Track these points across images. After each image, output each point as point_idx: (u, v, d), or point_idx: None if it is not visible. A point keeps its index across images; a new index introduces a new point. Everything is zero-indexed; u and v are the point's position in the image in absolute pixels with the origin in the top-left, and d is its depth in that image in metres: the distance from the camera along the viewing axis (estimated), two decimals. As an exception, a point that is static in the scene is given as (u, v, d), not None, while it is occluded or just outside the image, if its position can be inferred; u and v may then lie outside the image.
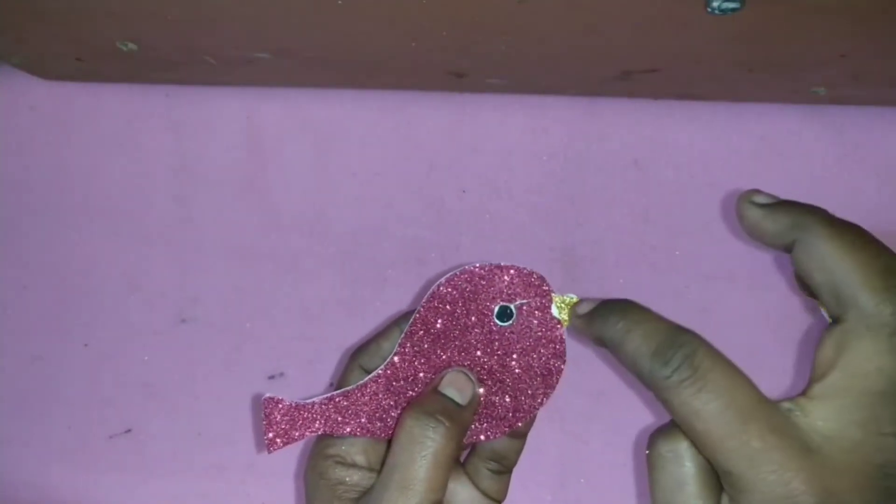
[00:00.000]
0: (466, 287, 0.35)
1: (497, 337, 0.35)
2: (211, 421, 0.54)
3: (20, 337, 0.55)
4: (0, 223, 0.56)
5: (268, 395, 0.36)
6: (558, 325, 0.35)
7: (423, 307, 0.36)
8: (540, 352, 0.35)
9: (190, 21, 0.44)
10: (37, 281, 0.55)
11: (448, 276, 0.36)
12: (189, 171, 0.56)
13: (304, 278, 0.54)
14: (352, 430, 0.36)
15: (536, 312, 0.35)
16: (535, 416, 0.36)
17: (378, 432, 0.36)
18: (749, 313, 0.52)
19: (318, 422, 0.36)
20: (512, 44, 0.44)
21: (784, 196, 0.31)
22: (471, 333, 0.35)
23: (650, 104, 0.54)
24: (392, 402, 0.36)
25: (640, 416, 0.52)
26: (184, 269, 0.55)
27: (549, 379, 0.35)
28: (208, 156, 0.56)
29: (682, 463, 0.28)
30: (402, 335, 0.36)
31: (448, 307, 0.36)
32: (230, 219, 0.55)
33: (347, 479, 0.35)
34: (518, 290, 0.35)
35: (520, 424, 0.36)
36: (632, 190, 0.54)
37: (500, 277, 0.35)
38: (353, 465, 0.36)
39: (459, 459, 0.39)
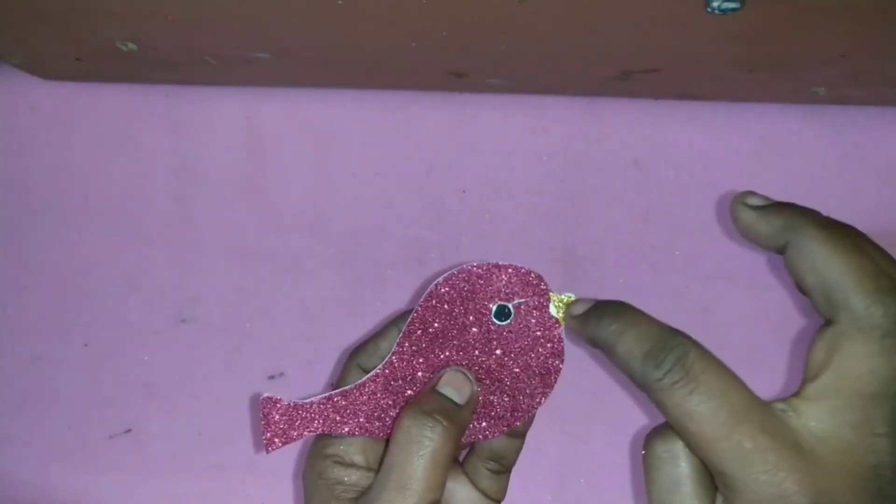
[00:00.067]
0: (464, 286, 0.35)
1: (495, 336, 0.35)
2: (211, 421, 0.54)
3: (20, 337, 0.55)
4: (0, 223, 0.56)
5: (266, 394, 0.36)
6: (556, 325, 0.35)
7: (420, 306, 0.36)
8: (538, 351, 0.35)
9: (190, 21, 0.44)
10: (37, 281, 0.55)
11: (446, 275, 0.36)
12: (189, 171, 0.56)
13: (304, 278, 0.54)
14: (350, 430, 0.36)
15: (534, 312, 0.35)
16: (533, 416, 0.36)
17: (376, 432, 0.36)
18: (749, 313, 0.52)
19: (316, 421, 0.36)
20: (512, 44, 0.44)
21: (783, 196, 0.31)
22: (469, 333, 0.35)
23: (650, 104, 0.54)
24: (390, 402, 0.36)
25: (640, 416, 0.52)
26: (184, 269, 0.55)
27: (547, 378, 0.35)
28: (208, 156, 0.56)
29: (678, 463, 0.28)
30: (401, 335, 0.36)
31: (446, 306, 0.36)
32: (230, 219, 0.55)
33: (346, 478, 0.35)
34: (516, 289, 0.35)
35: (518, 424, 0.36)
36: (632, 190, 0.54)
37: (497, 276, 0.35)
38: (352, 465, 0.36)
39: (458, 459, 0.39)
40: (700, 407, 0.26)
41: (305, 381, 0.54)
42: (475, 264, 0.36)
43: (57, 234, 0.55)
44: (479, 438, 0.36)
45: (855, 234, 0.28)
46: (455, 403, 0.34)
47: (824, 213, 0.29)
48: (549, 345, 0.35)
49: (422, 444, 0.32)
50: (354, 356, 0.38)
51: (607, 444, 0.52)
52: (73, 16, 0.44)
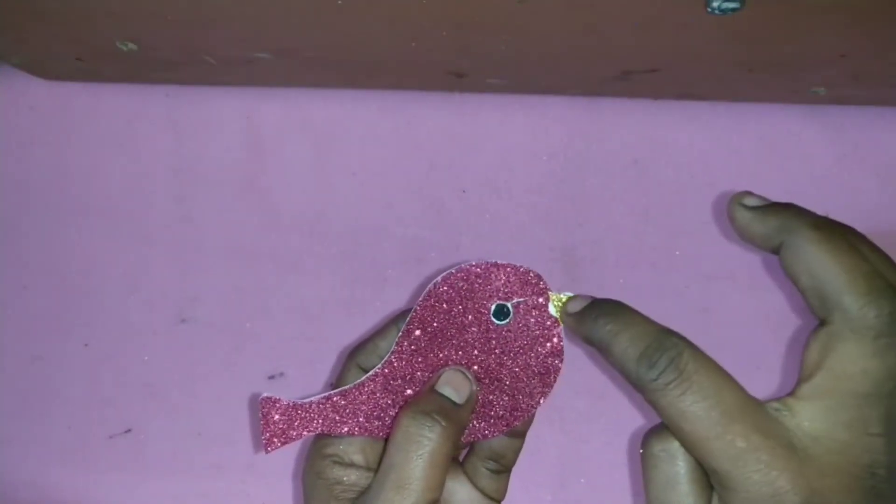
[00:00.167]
0: (463, 285, 0.35)
1: (494, 335, 0.35)
2: (211, 421, 0.54)
3: (20, 337, 0.55)
4: (0, 223, 0.56)
5: (265, 394, 0.36)
6: (556, 324, 0.35)
7: (419, 306, 0.36)
8: (537, 350, 0.35)
9: (190, 21, 0.44)
10: (37, 281, 0.55)
11: (445, 274, 0.36)
12: (189, 171, 0.56)
13: (304, 278, 0.54)
14: (349, 430, 0.36)
15: (534, 311, 0.35)
16: (533, 415, 0.36)
17: (376, 431, 0.36)
18: (749, 313, 0.52)
19: (315, 421, 0.36)
20: (512, 44, 0.44)
21: (783, 196, 0.31)
22: (468, 332, 0.35)
23: (650, 104, 0.54)
24: (390, 401, 0.36)
25: (640, 416, 0.52)
26: (184, 269, 0.55)
27: (546, 378, 0.35)
28: (208, 156, 0.56)
29: (675, 462, 0.28)
30: (400, 334, 0.36)
31: (445, 306, 0.36)
32: (230, 219, 0.55)
33: (345, 478, 0.35)
34: (515, 288, 0.35)
35: (518, 423, 0.36)
36: (632, 190, 0.54)
37: (496, 276, 0.35)
38: (351, 465, 0.36)
39: (458, 459, 0.39)
40: (693, 406, 0.27)
41: (305, 381, 0.54)
42: (474, 263, 0.36)
43: (57, 234, 0.55)
44: (478, 438, 0.36)
45: (850, 234, 0.28)
46: (454, 403, 0.34)
47: (824, 213, 0.29)
48: (548, 344, 0.35)
49: (420, 444, 0.32)
50: (354, 356, 0.38)
51: (607, 444, 0.52)
52: (73, 16, 0.44)
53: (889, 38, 0.42)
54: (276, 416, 0.36)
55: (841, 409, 0.26)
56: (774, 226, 0.29)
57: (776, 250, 0.29)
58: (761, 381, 0.51)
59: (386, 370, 0.36)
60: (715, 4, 0.37)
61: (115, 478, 0.53)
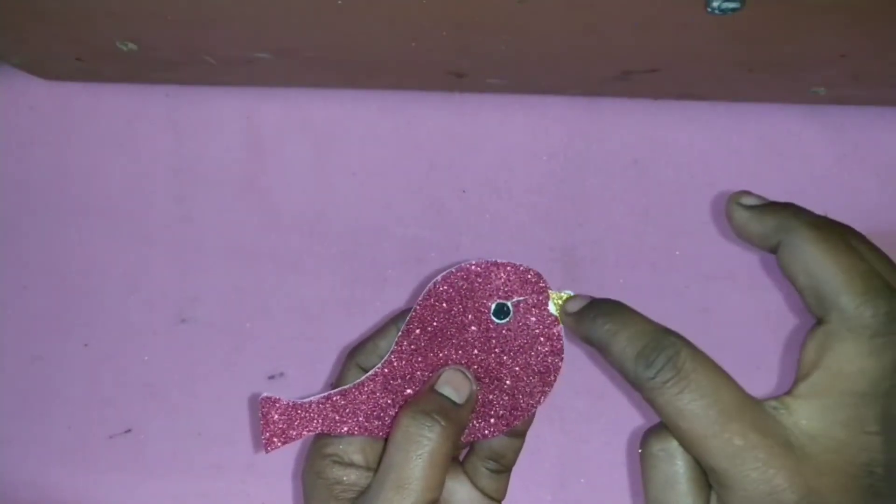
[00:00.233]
0: (463, 284, 0.35)
1: (494, 335, 0.35)
2: (211, 421, 0.54)
3: (20, 337, 0.55)
4: (0, 223, 0.56)
5: (265, 394, 0.36)
6: (555, 323, 0.35)
7: (419, 305, 0.36)
8: (537, 349, 0.35)
9: (190, 21, 0.44)
10: (37, 281, 0.55)
11: (444, 273, 0.36)
12: (189, 171, 0.56)
13: (304, 278, 0.54)
14: (349, 429, 0.36)
15: (533, 310, 0.35)
16: (533, 415, 0.36)
17: (376, 431, 0.36)
18: (749, 313, 0.52)
19: (315, 421, 0.36)
20: (512, 44, 0.44)
21: (783, 196, 0.31)
22: (468, 331, 0.35)
23: (650, 104, 0.54)
24: (389, 401, 0.36)
25: (640, 415, 0.52)
26: (184, 269, 0.55)
27: (546, 377, 0.35)
28: (208, 156, 0.56)
29: (674, 461, 0.29)
30: (399, 333, 0.36)
31: (444, 305, 0.35)
32: (230, 219, 0.55)
33: (345, 478, 0.35)
34: (515, 287, 0.35)
35: (518, 423, 0.36)
36: (631, 190, 0.54)
37: (496, 275, 0.35)
38: (351, 465, 0.36)
39: (458, 458, 0.39)
40: (691, 405, 0.27)
41: (305, 381, 0.54)
42: (474, 262, 0.36)
43: (57, 234, 0.55)
44: (478, 438, 0.36)
45: (848, 233, 0.28)
46: (454, 403, 0.34)
47: (824, 213, 0.29)
48: (548, 343, 0.35)
49: (420, 444, 0.32)
50: (353, 355, 0.38)
51: (607, 444, 0.52)
52: (73, 16, 0.44)
53: (889, 38, 0.42)
54: (276, 416, 0.36)
55: (838, 407, 0.26)
56: (772, 225, 0.29)
57: (774, 250, 0.29)
58: (760, 381, 0.51)
59: (386, 370, 0.36)
60: (715, 4, 0.37)
61: (115, 478, 0.53)
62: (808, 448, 0.26)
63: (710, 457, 0.26)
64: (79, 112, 0.57)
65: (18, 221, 0.56)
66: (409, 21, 0.42)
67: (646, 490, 0.29)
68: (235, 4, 0.41)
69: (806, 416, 0.26)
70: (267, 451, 0.36)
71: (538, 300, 0.35)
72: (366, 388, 0.36)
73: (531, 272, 0.35)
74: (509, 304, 0.35)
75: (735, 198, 0.31)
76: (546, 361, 0.35)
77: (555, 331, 0.35)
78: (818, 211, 0.29)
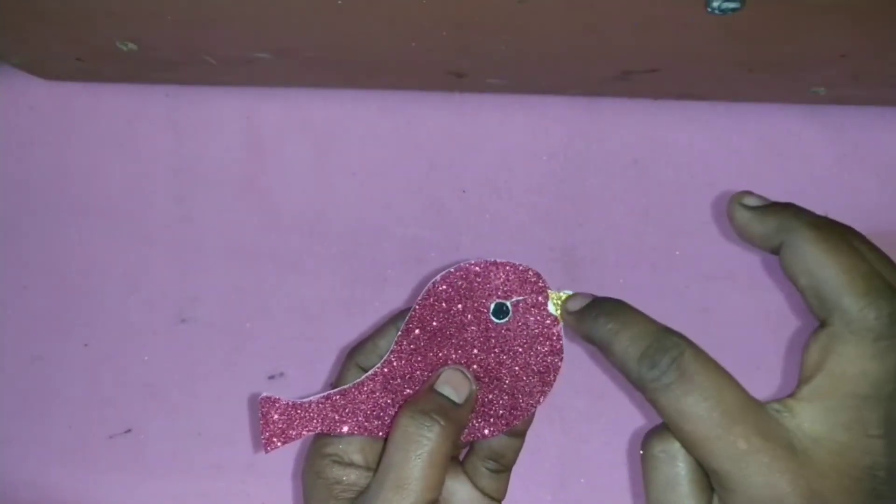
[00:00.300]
0: (462, 284, 0.35)
1: (494, 334, 0.35)
2: (211, 421, 0.54)
3: (20, 337, 0.55)
4: (0, 223, 0.56)
5: (265, 394, 0.36)
6: (555, 322, 0.35)
7: (418, 305, 0.36)
8: (537, 349, 0.35)
9: (190, 21, 0.44)
10: (37, 281, 0.55)
11: (444, 273, 0.36)
12: (189, 171, 0.56)
13: (304, 278, 0.54)
14: (349, 429, 0.36)
15: (533, 309, 0.35)
16: (533, 415, 0.36)
17: (375, 431, 0.36)
18: (749, 313, 0.52)
19: (315, 421, 0.36)
20: (512, 44, 0.44)
21: (783, 196, 0.31)
22: (467, 331, 0.35)
23: (650, 104, 0.54)
24: (389, 401, 0.36)
25: (640, 416, 0.52)
26: (184, 269, 0.55)
27: (546, 376, 0.35)
28: (208, 156, 0.56)
29: (675, 463, 0.28)
30: (399, 333, 0.36)
31: (444, 304, 0.35)
32: (230, 219, 0.55)
33: (344, 478, 0.35)
34: (514, 286, 0.35)
35: (518, 423, 0.36)
36: (632, 190, 0.54)
37: (495, 274, 0.35)
38: (351, 464, 0.36)
39: (458, 458, 0.39)
40: (695, 407, 0.26)
41: (305, 381, 0.53)
42: (473, 262, 0.35)
43: (57, 234, 0.55)
44: (478, 437, 0.36)
45: (850, 234, 0.28)
46: (453, 402, 0.34)
47: (824, 213, 0.29)
48: (547, 343, 0.35)
49: (419, 444, 0.32)
50: (353, 355, 0.38)
51: (607, 444, 0.52)
52: (73, 16, 0.44)
53: (889, 38, 0.42)
54: (276, 416, 0.36)
55: (841, 410, 0.26)
56: (774, 226, 0.29)
57: (776, 250, 0.29)
58: (761, 382, 0.50)
59: (385, 369, 0.36)
60: (715, 4, 0.37)
61: (115, 478, 0.53)
62: (810, 451, 0.26)
63: (714, 459, 0.26)
64: (79, 112, 0.57)
65: (18, 221, 0.56)
66: (409, 21, 0.42)
67: (647, 492, 0.29)
68: (235, 4, 0.41)
69: (809, 419, 0.26)
70: (267, 451, 0.36)
71: (538, 300, 0.35)
72: (365, 388, 0.36)
73: (531, 272, 0.35)
74: (509, 303, 0.35)
75: (737, 198, 0.31)
76: (546, 361, 0.35)
77: (554, 330, 0.35)
78: (818, 211, 0.29)
